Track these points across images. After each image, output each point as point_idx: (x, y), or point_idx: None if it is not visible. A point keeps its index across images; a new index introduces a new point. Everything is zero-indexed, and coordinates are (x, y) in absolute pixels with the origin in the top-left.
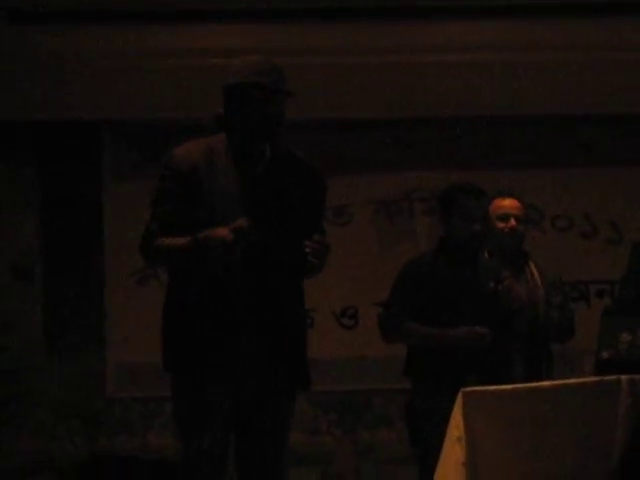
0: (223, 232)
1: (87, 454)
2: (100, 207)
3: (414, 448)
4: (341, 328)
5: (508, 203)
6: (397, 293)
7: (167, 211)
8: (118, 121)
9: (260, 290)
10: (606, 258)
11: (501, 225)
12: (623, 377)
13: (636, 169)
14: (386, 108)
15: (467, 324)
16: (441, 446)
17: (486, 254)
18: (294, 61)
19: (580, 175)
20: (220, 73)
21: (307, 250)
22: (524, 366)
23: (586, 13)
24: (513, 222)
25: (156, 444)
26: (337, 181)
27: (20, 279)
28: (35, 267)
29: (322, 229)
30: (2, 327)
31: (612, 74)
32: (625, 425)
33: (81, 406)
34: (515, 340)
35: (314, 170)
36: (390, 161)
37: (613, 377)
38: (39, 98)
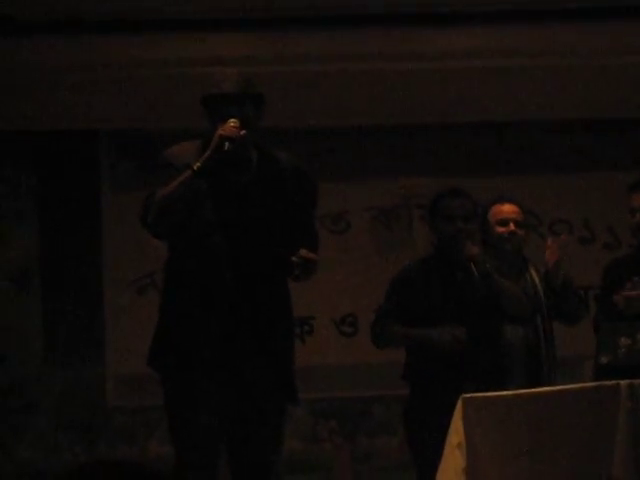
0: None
1: (88, 463)
2: (98, 216)
3: (412, 454)
4: (341, 335)
5: (507, 208)
6: (387, 298)
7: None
8: (115, 130)
9: (245, 296)
10: (604, 263)
11: (500, 230)
12: (622, 382)
13: (634, 174)
14: (384, 115)
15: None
16: (439, 452)
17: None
18: (291, 69)
19: (578, 180)
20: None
21: (294, 261)
22: (524, 374)
23: (587, 18)
24: (512, 226)
25: (156, 453)
26: (335, 189)
27: (19, 289)
28: (34, 277)
29: (313, 231)
30: (1, 337)
31: (611, 79)
32: (625, 430)
33: (81, 416)
34: (512, 348)
35: (301, 172)
36: (388, 168)
37: (612, 382)
38: (37, 109)
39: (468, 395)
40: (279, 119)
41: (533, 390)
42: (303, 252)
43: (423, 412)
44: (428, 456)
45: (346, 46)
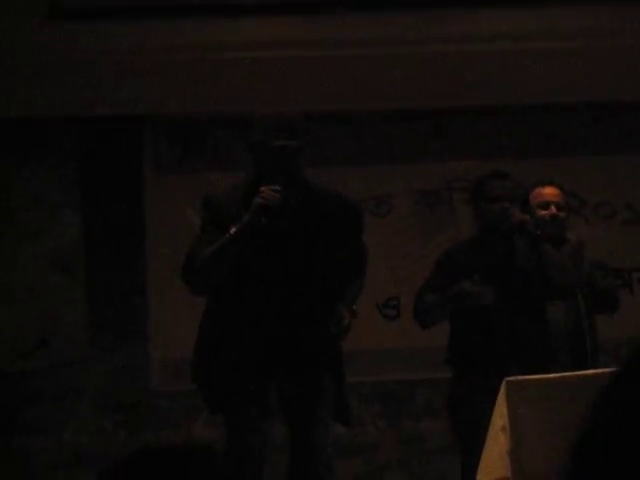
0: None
1: (132, 448)
2: (142, 202)
3: (456, 438)
4: (383, 319)
5: (548, 191)
6: (429, 279)
7: (208, 240)
8: (159, 116)
9: (288, 339)
10: None
11: (542, 213)
12: None
13: None
14: (425, 98)
15: (502, 311)
16: (482, 435)
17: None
18: (335, 53)
19: (622, 163)
20: (262, 66)
21: (333, 327)
22: (568, 355)
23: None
24: (554, 209)
25: (201, 437)
26: (377, 172)
27: (63, 274)
28: (78, 262)
29: (360, 260)
30: (46, 322)
31: None
32: None
33: (125, 400)
34: (556, 327)
35: (345, 206)
36: (430, 151)
37: None
38: (80, 95)
39: (512, 378)
40: (320, 103)
41: (577, 373)
42: (340, 315)
43: (467, 396)
44: (472, 439)
45: (386, 30)
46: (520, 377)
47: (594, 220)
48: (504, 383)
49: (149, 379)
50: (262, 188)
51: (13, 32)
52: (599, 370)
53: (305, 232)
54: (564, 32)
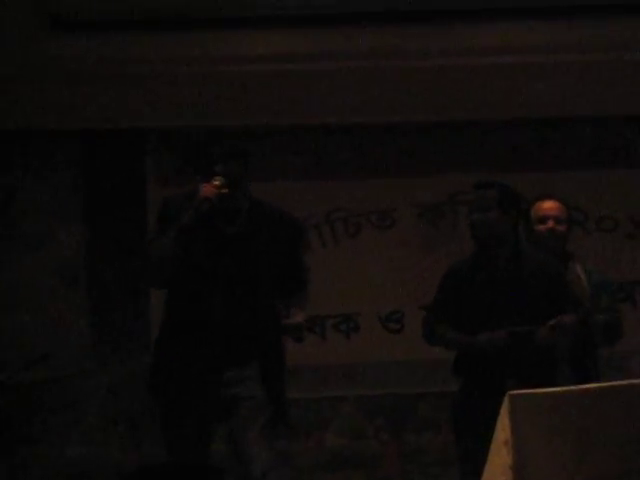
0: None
1: (135, 461)
2: (144, 212)
3: (458, 448)
4: (386, 332)
5: (547, 205)
6: (436, 298)
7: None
8: (161, 128)
9: (234, 335)
10: None
11: (540, 227)
12: None
13: None
14: (429, 112)
15: (508, 324)
16: (483, 446)
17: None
18: (341, 65)
19: (624, 176)
20: (264, 80)
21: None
22: (570, 370)
23: (633, 13)
24: (551, 224)
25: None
26: (381, 185)
27: (66, 285)
28: (81, 273)
29: (300, 272)
30: (49, 333)
31: None
32: None
33: (129, 412)
34: (558, 345)
35: (288, 220)
36: (433, 164)
37: None
38: (83, 107)
39: (515, 392)
40: (327, 116)
41: (580, 387)
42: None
43: (468, 406)
44: (474, 450)
45: (393, 42)
46: (523, 391)
47: (597, 233)
48: (507, 396)
49: None
50: (203, 184)
51: (15, 44)
52: (603, 384)
53: (249, 237)
54: (568, 45)
